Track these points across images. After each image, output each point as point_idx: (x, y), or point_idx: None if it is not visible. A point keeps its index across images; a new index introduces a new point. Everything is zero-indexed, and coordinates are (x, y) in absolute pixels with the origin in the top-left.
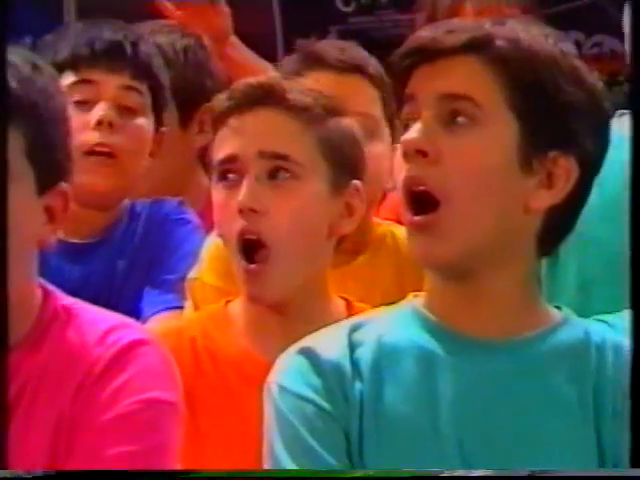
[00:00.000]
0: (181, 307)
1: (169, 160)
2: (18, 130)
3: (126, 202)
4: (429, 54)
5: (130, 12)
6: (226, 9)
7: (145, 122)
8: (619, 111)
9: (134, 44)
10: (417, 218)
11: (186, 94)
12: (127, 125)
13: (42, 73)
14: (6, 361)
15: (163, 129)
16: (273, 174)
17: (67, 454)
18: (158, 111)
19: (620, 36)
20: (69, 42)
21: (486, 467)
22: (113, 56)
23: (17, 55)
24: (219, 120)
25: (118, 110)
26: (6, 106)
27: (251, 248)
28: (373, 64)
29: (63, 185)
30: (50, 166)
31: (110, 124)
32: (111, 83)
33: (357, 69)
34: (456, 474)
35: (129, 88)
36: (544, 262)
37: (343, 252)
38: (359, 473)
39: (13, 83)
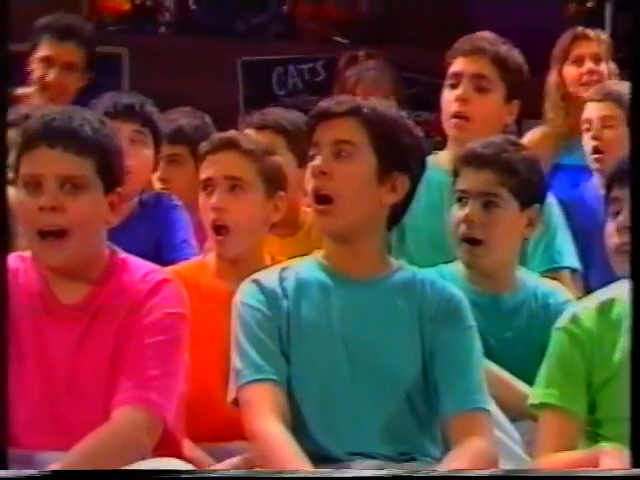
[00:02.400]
0: (186, 259)
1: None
2: (92, 159)
3: (135, 197)
4: (326, 116)
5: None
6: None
7: (148, 152)
8: (435, 151)
9: (142, 105)
10: (319, 207)
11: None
12: (137, 154)
13: (106, 125)
14: (6, 362)
15: (160, 155)
16: (232, 188)
17: (126, 342)
18: (157, 145)
19: (430, 110)
20: (104, 103)
21: (362, 355)
22: (128, 112)
23: (90, 114)
24: (202, 157)
25: (132, 145)
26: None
27: (220, 228)
28: (285, 122)
29: (119, 189)
30: (111, 178)
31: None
32: (127, 129)
33: (268, 126)
34: (455, 474)
35: (138, 132)
36: (396, 235)
37: (286, 230)
38: (349, 474)
39: (89, 131)
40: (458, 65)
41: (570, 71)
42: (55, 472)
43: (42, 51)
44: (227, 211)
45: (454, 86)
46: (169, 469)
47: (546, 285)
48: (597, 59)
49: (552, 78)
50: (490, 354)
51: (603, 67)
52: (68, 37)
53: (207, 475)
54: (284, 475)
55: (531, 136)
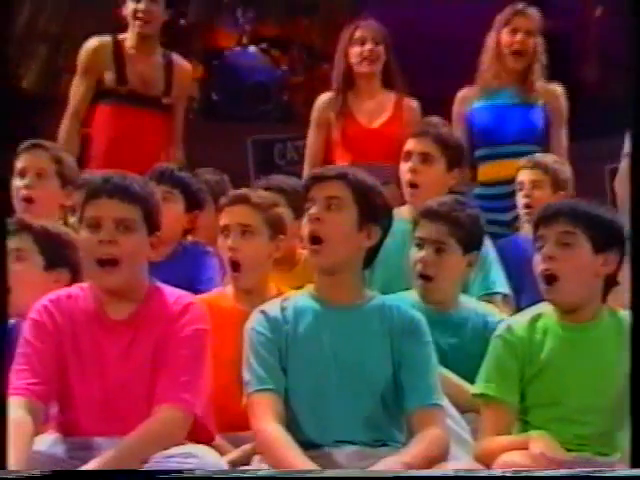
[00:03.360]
0: (210, 291)
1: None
2: (140, 207)
3: (177, 243)
4: (319, 179)
5: None
6: None
7: (177, 208)
8: (397, 206)
9: (172, 172)
10: (313, 247)
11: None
12: (166, 210)
13: (149, 185)
14: (6, 364)
15: (196, 212)
16: (243, 233)
17: (164, 351)
18: (191, 202)
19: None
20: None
21: (347, 364)
22: (160, 177)
23: (137, 177)
24: (221, 208)
25: (163, 203)
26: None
27: (234, 265)
28: (284, 185)
29: (158, 233)
30: (153, 224)
31: None
32: (159, 190)
33: (271, 188)
34: (457, 474)
35: (168, 192)
36: (369, 272)
37: (285, 267)
38: (353, 474)
39: (137, 188)
40: (409, 144)
41: (506, 38)
42: (56, 472)
43: None
44: (240, 250)
45: (407, 160)
46: (176, 469)
47: (484, 307)
48: (529, 33)
49: (491, 39)
50: (443, 355)
51: (532, 40)
52: None
53: (211, 475)
54: (289, 475)
55: (461, 92)
